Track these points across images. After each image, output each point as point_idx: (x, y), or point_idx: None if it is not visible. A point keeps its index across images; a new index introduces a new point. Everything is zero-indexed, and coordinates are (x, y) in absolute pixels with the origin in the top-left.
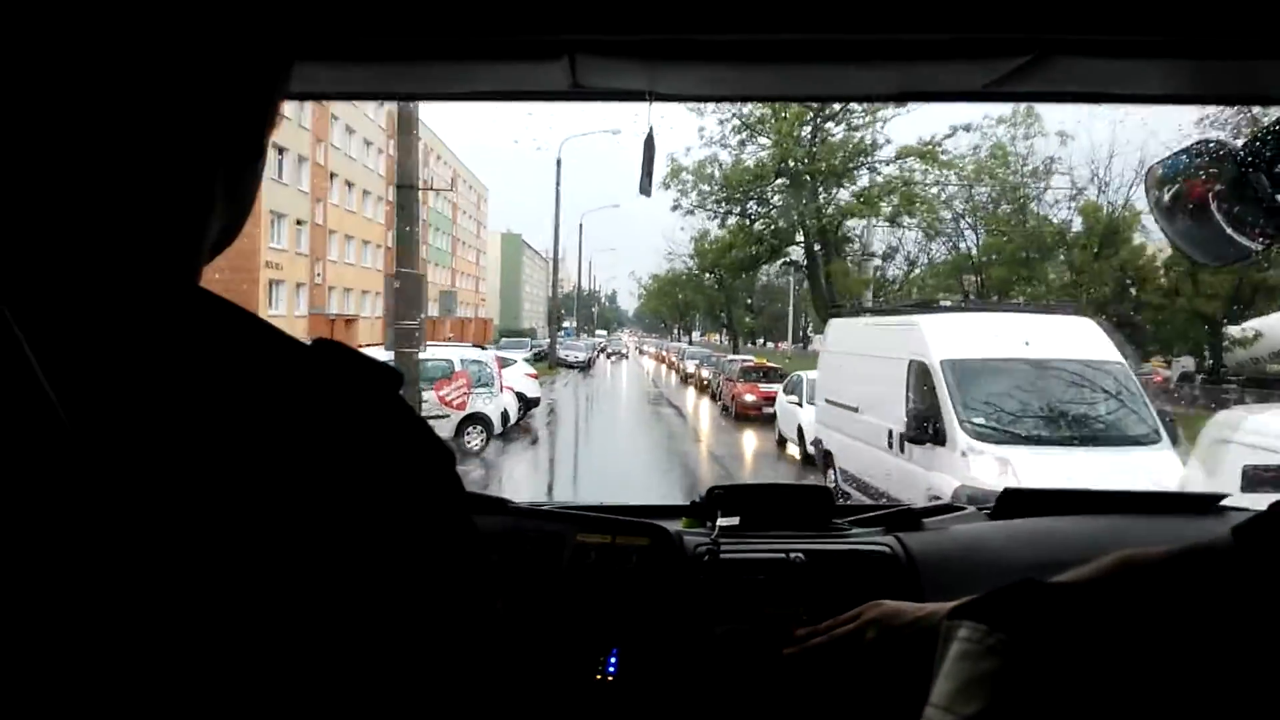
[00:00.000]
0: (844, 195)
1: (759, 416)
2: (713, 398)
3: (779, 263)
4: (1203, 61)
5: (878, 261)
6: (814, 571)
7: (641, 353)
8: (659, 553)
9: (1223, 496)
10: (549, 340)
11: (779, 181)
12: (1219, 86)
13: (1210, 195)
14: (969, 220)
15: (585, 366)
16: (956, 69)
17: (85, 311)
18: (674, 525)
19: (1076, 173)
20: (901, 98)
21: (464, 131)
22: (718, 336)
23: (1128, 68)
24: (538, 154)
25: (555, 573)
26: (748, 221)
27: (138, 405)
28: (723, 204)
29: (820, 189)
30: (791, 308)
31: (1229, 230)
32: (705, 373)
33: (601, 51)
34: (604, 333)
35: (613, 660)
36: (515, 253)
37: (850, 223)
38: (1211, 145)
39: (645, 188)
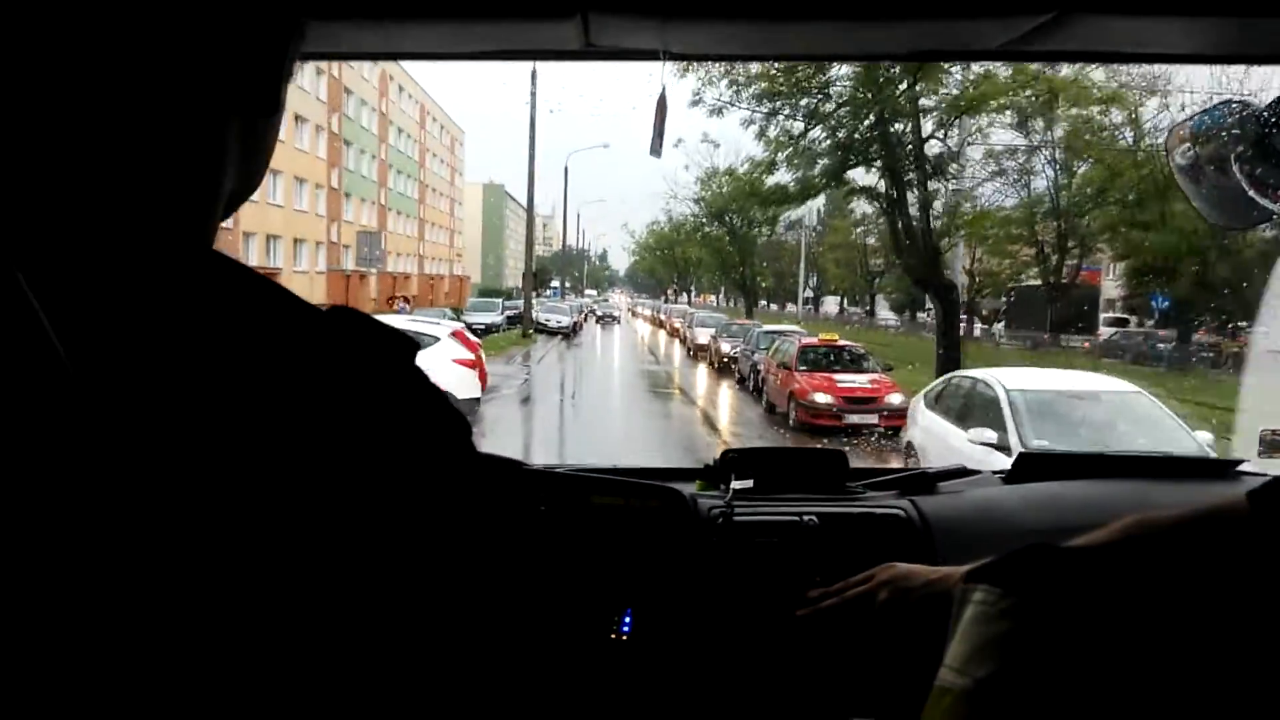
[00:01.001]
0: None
1: (837, 429)
2: (741, 383)
3: (844, 191)
4: (1225, 20)
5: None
6: (828, 534)
7: (635, 315)
8: (673, 515)
9: (1240, 461)
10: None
11: (847, 69)
12: (1242, 45)
13: (1233, 156)
14: (1047, 153)
15: (569, 333)
16: (975, 26)
17: (98, 274)
18: (688, 488)
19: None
20: (919, 56)
21: (440, 72)
22: (714, 297)
23: (1149, 26)
24: (525, 102)
25: (569, 534)
26: (802, 125)
27: (151, 370)
28: (764, 100)
29: (915, 78)
30: (803, 264)
31: (1251, 191)
32: (726, 347)
33: (614, 9)
34: (593, 292)
35: (627, 620)
36: (498, 205)
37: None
38: (1234, 106)
39: (656, 149)
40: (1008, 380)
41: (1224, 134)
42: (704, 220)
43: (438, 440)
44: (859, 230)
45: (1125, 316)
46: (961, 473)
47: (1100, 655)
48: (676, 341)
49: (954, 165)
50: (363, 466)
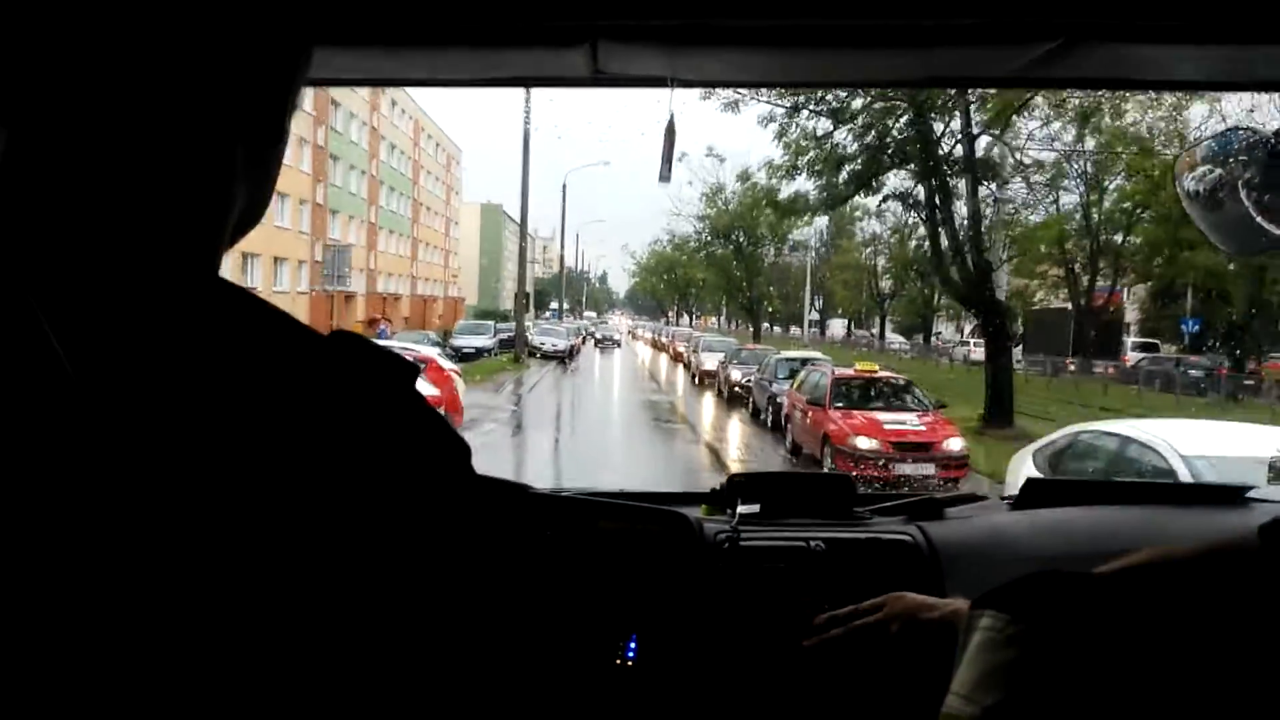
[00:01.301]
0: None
1: (885, 482)
2: (756, 416)
3: (879, 198)
4: (1233, 48)
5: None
6: (834, 560)
7: (635, 337)
8: (679, 540)
9: (1248, 488)
10: (531, 322)
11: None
12: (1250, 73)
13: (1240, 183)
14: (1078, 165)
15: (566, 357)
16: (984, 55)
17: (106, 297)
18: (694, 512)
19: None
20: (927, 83)
21: (437, 89)
22: (715, 319)
23: (1157, 54)
24: (524, 120)
25: (575, 559)
26: (828, 124)
27: (154, 392)
28: (786, 94)
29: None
30: (808, 285)
31: (1259, 219)
32: (737, 374)
33: (623, 38)
34: (593, 314)
35: (632, 646)
36: (496, 226)
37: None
38: (1243, 133)
39: (665, 175)
40: (1181, 440)
41: (1233, 160)
42: (708, 238)
43: (436, 465)
44: (867, 251)
45: (1153, 341)
46: (969, 499)
47: (1109, 684)
48: (680, 367)
49: (1006, 169)
50: (361, 489)
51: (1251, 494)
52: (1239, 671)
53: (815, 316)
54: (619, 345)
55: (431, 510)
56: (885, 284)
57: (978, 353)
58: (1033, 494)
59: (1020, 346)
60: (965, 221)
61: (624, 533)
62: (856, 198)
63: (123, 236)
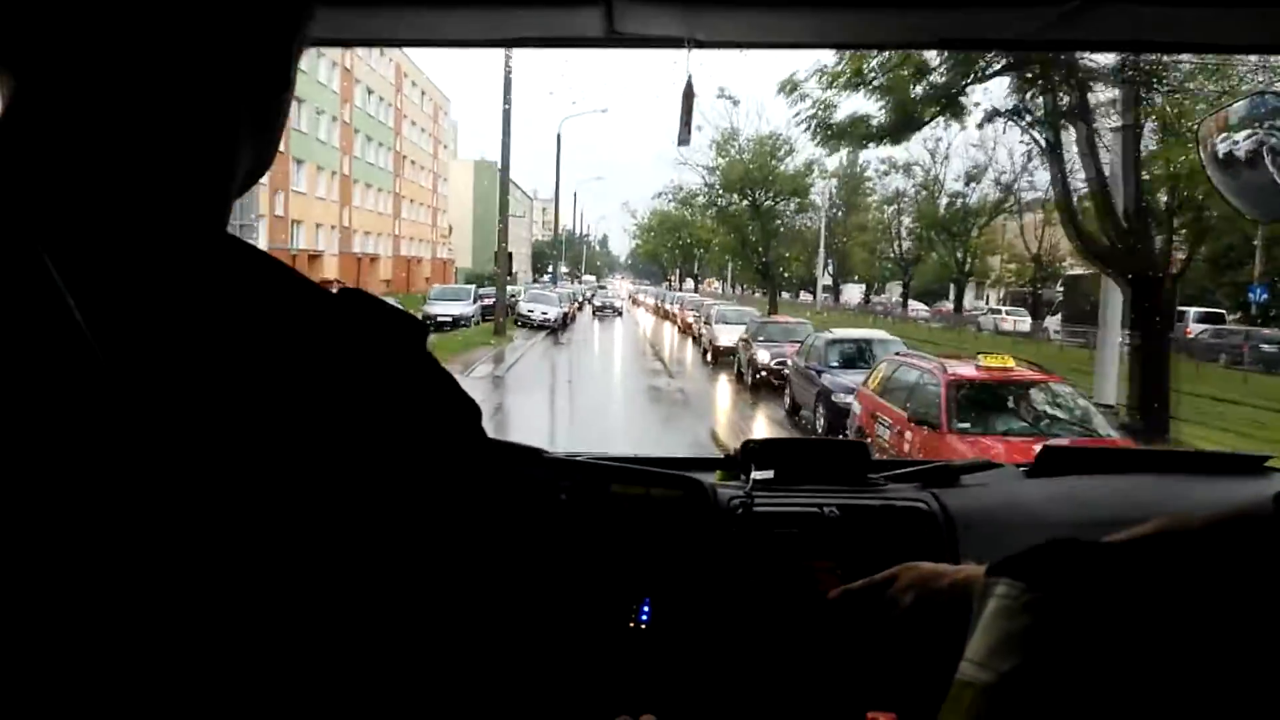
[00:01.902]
0: None
1: None
2: (794, 414)
3: (972, 116)
4: (1253, 9)
5: None
6: (848, 526)
7: (636, 303)
8: (693, 505)
9: (1267, 457)
10: (518, 288)
11: None
12: (1272, 36)
13: (1265, 149)
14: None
15: (557, 327)
16: (999, 15)
17: (114, 253)
18: (708, 478)
19: None
20: (943, 45)
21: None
22: (718, 284)
23: (1173, 15)
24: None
25: (589, 522)
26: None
27: (169, 346)
28: None
29: None
30: (822, 247)
31: None
32: (765, 356)
33: None
34: (592, 278)
35: (645, 609)
36: (490, 185)
37: None
38: (1268, 98)
39: (684, 138)
40: None
41: (1259, 126)
42: (719, 192)
43: (446, 425)
44: (890, 209)
45: (1218, 311)
46: (985, 466)
47: (1125, 651)
48: (689, 341)
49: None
50: (372, 450)
51: (1270, 464)
52: (1256, 641)
53: (827, 281)
54: (619, 314)
55: (443, 471)
56: (909, 246)
57: (1010, 322)
58: (1049, 461)
59: (1059, 315)
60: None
61: (638, 497)
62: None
63: (129, 188)
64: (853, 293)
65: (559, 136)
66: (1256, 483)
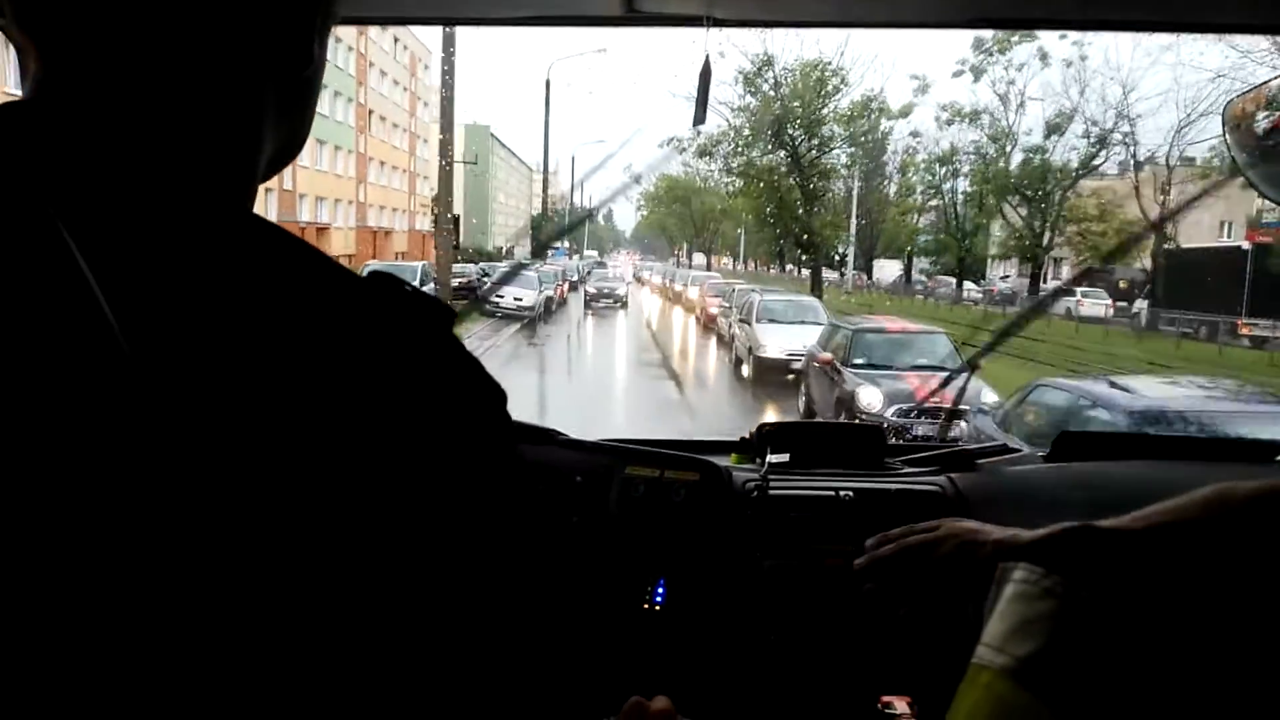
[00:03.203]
0: None
1: None
2: None
3: None
4: None
5: None
6: (863, 510)
7: (640, 283)
8: (707, 487)
9: None
10: (493, 267)
11: None
12: None
13: None
14: None
15: (535, 317)
16: None
17: (138, 233)
18: (723, 461)
19: None
20: (968, 24)
21: None
22: (729, 261)
23: None
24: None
25: (603, 504)
26: None
27: (193, 329)
28: None
29: None
30: (854, 215)
31: None
32: (873, 401)
33: None
34: (594, 254)
35: (660, 590)
36: (482, 151)
37: None
38: None
39: (700, 117)
40: None
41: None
42: (747, 140)
43: (472, 411)
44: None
45: None
46: (1001, 450)
47: (1142, 636)
48: (712, 340)
49: None
50: (400, 435)
51: None
52: (1268, 629)
53: (843, 255)
54: (624, 305)
55: (468, 457)
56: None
57: (1087, 306)
58: (1066, 447)
59: (1147, 301)
60: None
61: (653, 480)
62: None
63: (152, 167)
64: (889, 270)
65: (548, 82)
66: (1270, 470)
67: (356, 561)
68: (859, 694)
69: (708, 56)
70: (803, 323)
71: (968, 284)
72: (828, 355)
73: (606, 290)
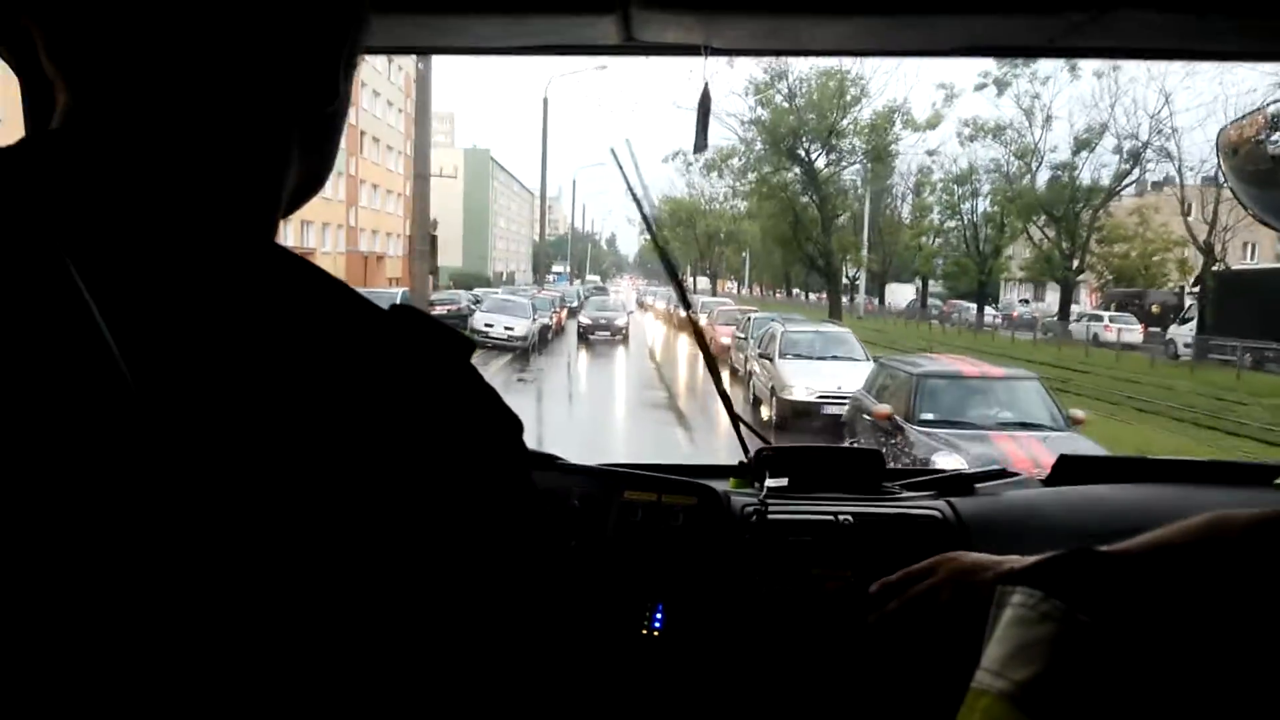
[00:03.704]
0: None
1: None
2: None
3: None
4: (1269, 17)
5: None
6: (862, 534)
7: (644, 308)
8: (705, 512)
9: None
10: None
11: None
12: None
13: None
14: None
15: (528, 348)
16: (1018, 22)
17: (155, 267)
18: (722, 485)
19: None
20: (964, 52)
21: None
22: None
23: (1193, 22)
24: (512, 68)
25: (602, 529)
26: None
27: (206, 365)
28: None
29: None
30: (865, 239)
31: None
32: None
33: (657, 4)
34: (596, 279)
35: (658, 616)
36: (481, 175)
37: None
38: None
39: (701, 144)
40: None
41: (1275, 135)
42: (761, 153)
43: (489, 441)
44: (962, 189)
45: None
46: (1000, 474)
47: (1142, 661)
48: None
49: None
50: (416, 465)
51: None
52: (1268, 655)
53: (848, 280)
54: (623, 338)
55: (487, 486)
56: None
57: (1113, 331)
58: (1065, 470)
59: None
60: None
61: (651, 504)
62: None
63: (173, 200)
64: (899, 295)
65: (545, 100)
66: (1269, 494)
67: (371, 591)
68: (858, 717)
69: (706, 84)
70: (834, 358)
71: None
72: (885, 409)
73: (603, 321)
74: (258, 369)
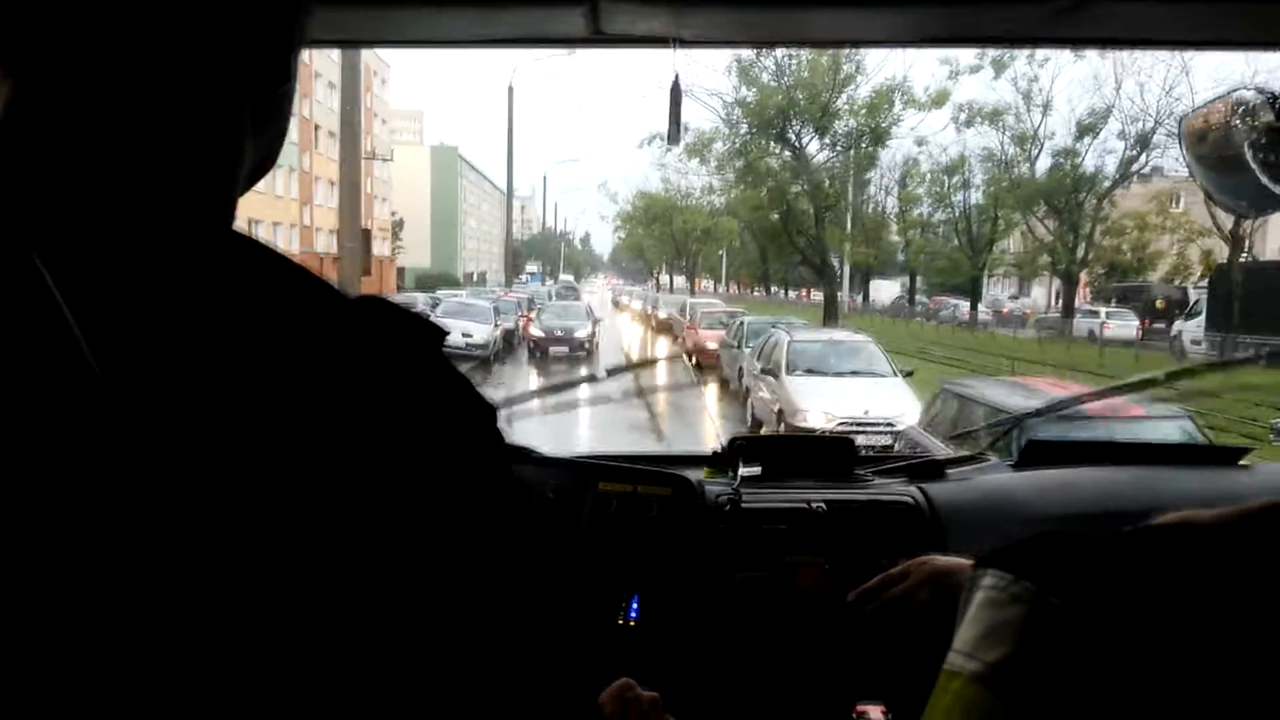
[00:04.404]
0: None
1: None
2: None
3: None
4: (1241, 4)
5: None
6: (836, 521)
7: (619, 308)
8: (680, 502)
9: (1245, 451)
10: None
11: None
12: (1260, 31)
13: (1246, 145)
14: None
15: (489, 356)
16: (994, 12)
17: (117, 257)
18: (696, 474)
19: None
20: (934, 42)
21: None
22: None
23: (1168, 11)
24: (482, 66)
25: (577, 520)
26: None
27: (171, 354)
28: None
29: None
30: (850, 220)
31: (1265, 180)
32: None
33: None
34: (570, 278)
35: (634, 606)
36: (449, 173)
37: None
38: (1248, 93)
39: (674, 136)
40: None
41: (1240, 123)
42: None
43: (463, 428)
44: (953, 179)
45: None
46: (970, 459)
47: (1113, 642)
48: (711, 383)
49: None
50: (388, 454)
51: (1246, 460)
52: (1244, 638)
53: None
54: (584, 351)
55: (463, 474)
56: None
57: (1110, 327)
58: (1034, 454)
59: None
60: None
61: (626, 495)
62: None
63: (130, 188)
64: (885, 291)
65: (510, 88)
66: (1234, 475)
67: (344, 581)
68: (834, 702)
69: (677, 76)
70: (854, 374)
71: (963, 304)
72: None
73: (561, 332)
74: (224, 359)
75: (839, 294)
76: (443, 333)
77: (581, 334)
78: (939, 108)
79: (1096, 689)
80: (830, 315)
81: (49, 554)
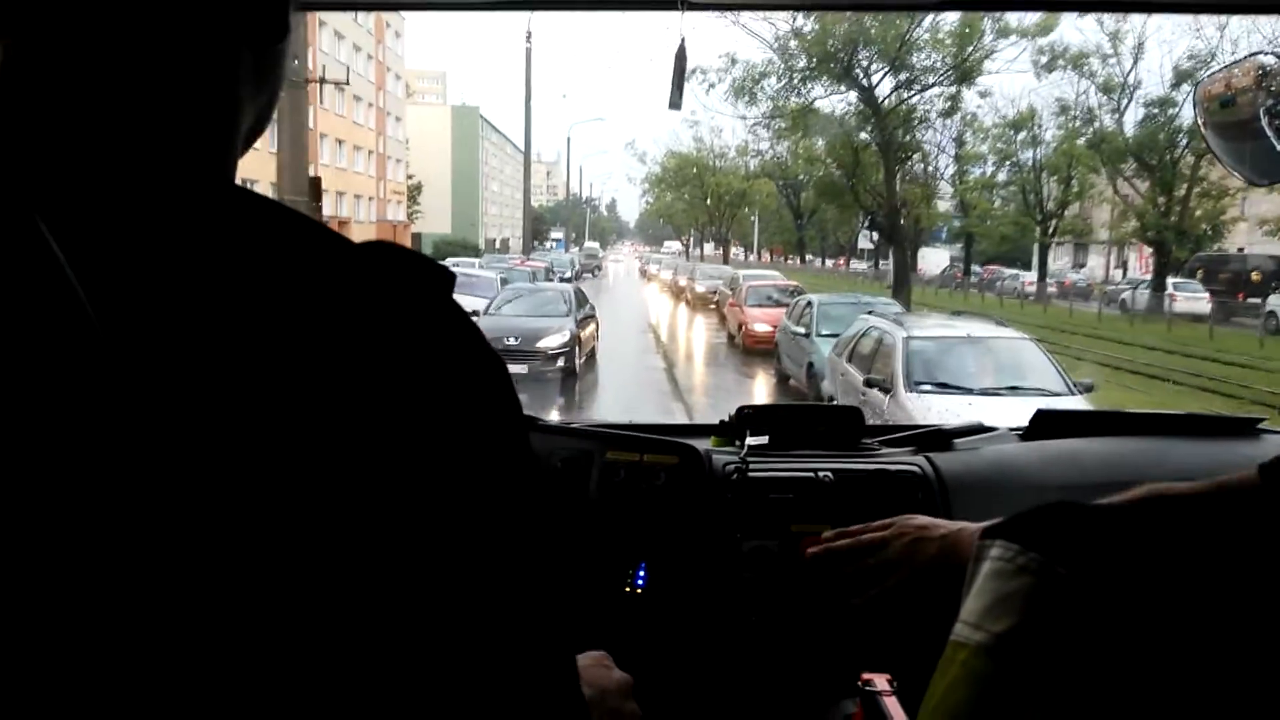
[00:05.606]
0: None
1: None
2: None
3: None
4: None
5: None
6: (842, 491)
7: (647, 278)
8: (687, 470)
9: (1260, 420)
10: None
11: None
12: None
13: (1262, 111)
14: None
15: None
16: None
17: (118, 212)
18: (703, 444)
19: None
20: (943, 6)
21: None
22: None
23: None
24: (506, 26)
25: (584, 489)
26: None
27: (175, 311)
28: None
29: None
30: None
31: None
32: None
33: None
34: (595, 245)
35: (641, 574)
36: (470, 134)
37: None
38: (1264, 59)
39: (676, 101)
40: None
41: (1255, 89)
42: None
43: (475, 380)
44: (1020, 136)
45: None
46: (978, 429)
47: (1119, 612)
48: (758, 372)
49: None
50: (399, 407)
51: (1263, 426)
52: (1243, 608)
53: (868, 244)
54: (560, 371)
55: (476, 427)
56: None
57: (1180, 300)
58: (1042, 425)
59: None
60: None
61: (633, 464)
62: None
63: (130, 145)
64: (933, 259)
65: (529, 33)
66: (1248, 445)
67: (354, 542)
68: (840, 672)
69: (683, 39)
70: (1013, 391)
71: (1023, 275)
72: None
73: (515, 340)
74: (229, 313)
75: (883, 264)
76: (452, 276)
77: (552, 342)
78: (1045, 36)
79: (1101, 658)
80: (900, 288)
81: (49, 514)
